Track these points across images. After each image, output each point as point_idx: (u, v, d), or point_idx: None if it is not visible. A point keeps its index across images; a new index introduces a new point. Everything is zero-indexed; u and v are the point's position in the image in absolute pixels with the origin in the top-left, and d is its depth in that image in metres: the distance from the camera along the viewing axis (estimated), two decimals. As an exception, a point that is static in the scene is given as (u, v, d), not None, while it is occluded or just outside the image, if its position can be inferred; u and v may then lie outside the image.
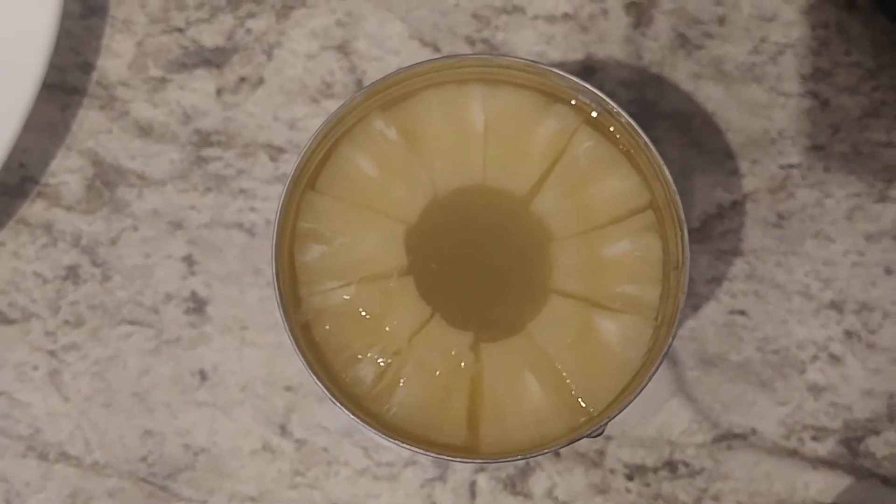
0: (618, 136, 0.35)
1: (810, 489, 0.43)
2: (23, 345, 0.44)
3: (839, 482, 0.43)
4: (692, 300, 0.45)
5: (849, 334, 0.45)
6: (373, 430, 0.31)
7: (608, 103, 0.34)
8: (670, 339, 0.32)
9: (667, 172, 0.33)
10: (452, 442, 0.32)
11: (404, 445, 0.31)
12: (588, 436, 0.32)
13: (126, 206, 0.45)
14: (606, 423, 0.32)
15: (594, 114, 0.35)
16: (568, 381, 0.33)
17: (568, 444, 0.32)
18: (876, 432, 0.44)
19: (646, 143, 0.34)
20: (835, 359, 0.44)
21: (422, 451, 0.31)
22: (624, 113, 0.34)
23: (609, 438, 0.43)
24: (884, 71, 0.47)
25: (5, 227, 0.45)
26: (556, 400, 0.33)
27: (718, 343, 0.44)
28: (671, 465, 0.43)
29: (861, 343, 0.44)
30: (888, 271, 0.45)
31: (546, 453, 0.32)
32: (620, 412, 0.32)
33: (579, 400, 0.33)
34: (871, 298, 0.45)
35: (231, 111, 0.46)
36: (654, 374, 0.32)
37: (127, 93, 0.47)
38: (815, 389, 0.44)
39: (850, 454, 0.44)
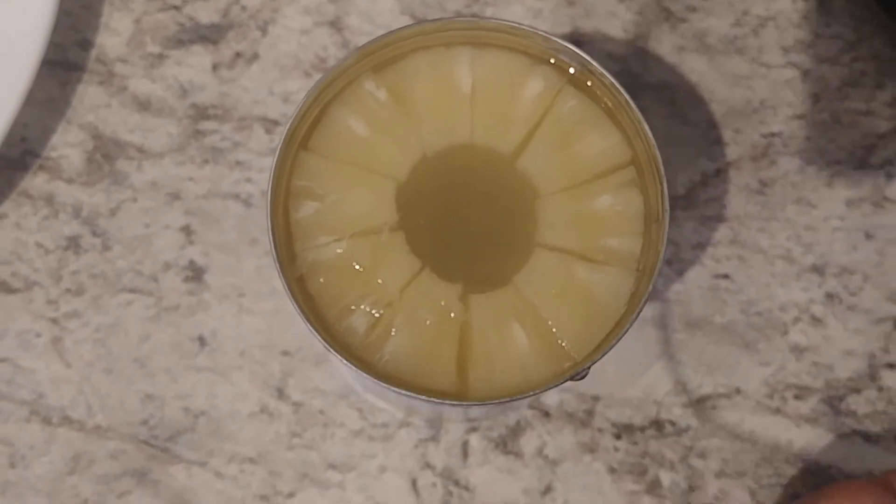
0: (600, 96, 0.36)
1: (793, 446, 0.44)
2: (26, 313, 0.45)
3: (821, 439, 0.44)
4: (677, 265, 0.46)
5: (830, 297, 0.46)
6: (367, 377, 0.32)
7: (591, 63, 0.35)
8: (650, 287, 0.33)
9: (647, 129, 0.34)
10: (443, 388, 0.34)
11: (396, 390, 0.32)
12: (572, 378, 0.33)
13: (125, 178, 0.47)
14: (589, 367, 0.33)
15: (572, 70, 0.36)
16: (553, 329, 0.34)
17: (553, 387, 0.33)
18: (857, 391, 0.45)
19: (627, 101, 0.35)
20: (816, 320, 0.45)
21: (413, 396, 0.32)
22: (606, 73, 0.35)
23: (597, 399, 0.45)
24: (863, 42, 0.48)
25: (7, 200, 0.46)
26: (542, 347, 0.34)
27: (703, 306, 0.46)
28: (658, 424, 0.45)
29: (842, 305, 0.46)
30: (868, 235, 0.46)
31: (532, 395, 0.33)
32: (603, 356, 0.33)
33: (564, 346, 0.34)
34: (852, 262, 0.46)
35: (227, 86, 0.48)
36: (634, 321, 0.33)
37: (125, 69, 0.48)
38: (798, 350, 0.45)
39: (832, 412, 0.45)
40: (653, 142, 0.34)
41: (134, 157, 0.47)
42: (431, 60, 0.36)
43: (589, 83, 0.36)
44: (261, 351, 0.45)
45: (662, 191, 0.34)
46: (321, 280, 0.35)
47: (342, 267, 0.35)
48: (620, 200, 0.35)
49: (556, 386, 0.33)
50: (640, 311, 0.33)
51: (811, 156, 0.47)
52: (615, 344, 0.33)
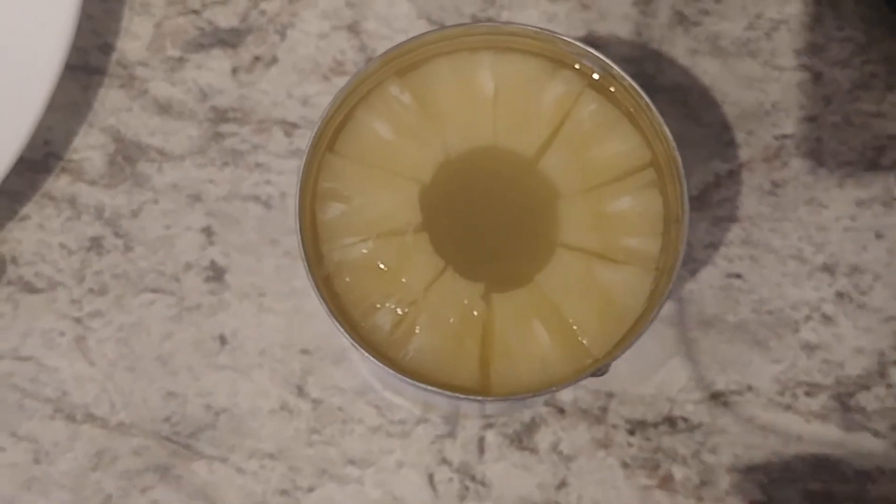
0: (620, 99, 0.37)
1: (804, 442, 0.45)
2: (49, 313, 0.46)
3: (831, 435, 0.45)
4: (691, 265, 0.47)
5: (840, 295, 0.47)
6: (392, 373, 0.33)
7: (612, 67, 0.36)
8: (669, 286, 0.34)
9: (667, 131, 0.35)
10: (465, 385, 0.34)
11: (422, 386, 0.33)
12: (592, 375, 0.34)
13: (147, 180, 0.47)
14: (610, 364, 0.34)
15: (596, 76, 0.37)
16: (574, 327, 0.35)
17: (573, 384, 0.34)
18: (866, 388, 0.46)
19: (647, 104, 0.36)
20: (827, 319, 0.46)
21: (439, 392, 0.33)
22: (626, 76, 0.36)
23: (611, 396, 0.45)
24: (874, 45, 0.49)
25: (31, 202, 0.47)
26: (562, 345, 0.35)
27: (716, 305, 0.46)
28: (671, 421, 0.45)
29: (852, 304, 0.46)
30: (878, 235, 0.47)
31: (554, 391, 0.34)
32: (623, 353, 0.34)
33: (584, 344, 0.35)
34: (862, 261, 0.47)
35: (246, 89, 0.48)
36: (654, 319, 0.34)
37: (146, 72, 0.49)
38: (809, 348, 0.46)
39: (842, 409, 0.45)
40: (672, 143, 0.35)
41: (155, 160, 0.48)
42: (454, 65, 0.37)
43: (609, 86, 0.37)
44: (281, 349, 0.46)
45: (682, 192, 0.35)
46: (347, 279, 0.35)
47: (368, 267, 0.35)
48: (640, 201, 0.36)
49: (577, 383, 0.34)
50: (660, 309, 0.34)
51: (822, 157, 0.48)
52: (635, 341, 0.34)
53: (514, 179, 0.37)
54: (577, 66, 0.38)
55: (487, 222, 0.37)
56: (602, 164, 0.36)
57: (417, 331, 0.35)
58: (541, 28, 0.36)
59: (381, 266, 0.35)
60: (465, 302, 0.35)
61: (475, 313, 0.35)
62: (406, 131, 0.37)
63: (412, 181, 0.36)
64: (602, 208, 0.36)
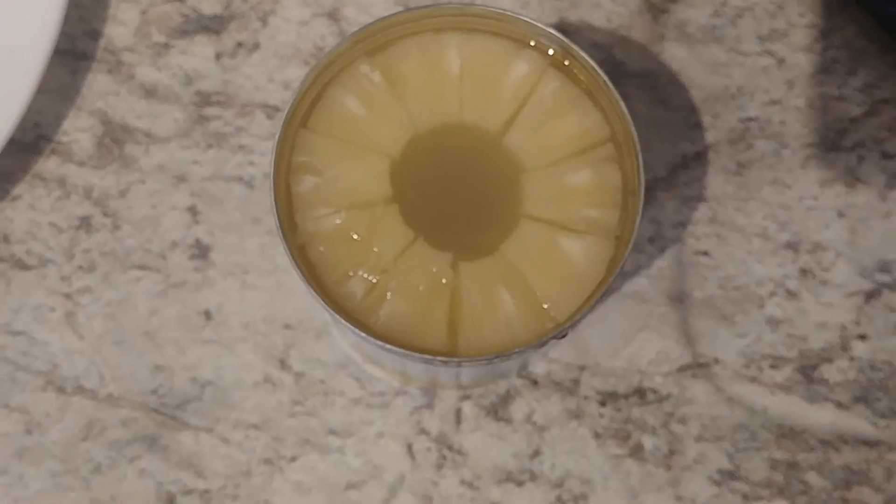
0: (581, 78, 0.39)
1: (768, 413, 0.47)
2: (40, 289, 0.48)
3: (795, 406, 0.47)
4: (660, 242, 0.48)
5: (804, 272, 0.48)
6: (363, 336, 0.35)
7: (571, 47, 0.38)
8: (626, 254, 0.36)
9: (624, 108, 0.37)
10: (434, 348, 0.36)
11: (390, 348, 0.35)
12: (554, 338, 0.35)
13: (134, 161, 0.49)
14: (570, 328, 0.36)
15: (552, 52, 0.39)
16: (537, 293, 0.37)
17: (537, 347, 0.36)
18: (829, 360, 0.47)
19: (605, 82, 0.37)
20: (791, 294, 0.48)
21: (406, 354, 0.35)
22: (585, 55, 0.38)
23: (583, 369, 0.47)
24: (835, 32, 0.51)
25: (22, 182, 0.49)
26: (527, 310, 0.37)
27: (683, 281, 0.48)
28: (640, 392, 0.47)
29: (815, 280, 0.48)
30: (840, 214, 0.49)
31: (517, 353, 0.35)
32: (582, 318, 0.36)
33: (547, 309, 0.36)
34: (824, 239, 0.48)
35: (229, 74, 0.50)
36: (611, 285, 0.35)
37: (133, 58, 0.50)
38: (773, 322, 0.48)
39: (806, 381, 0.47)
40: (629, 120, 0.37)
41: (141, 142, 0.49)
42: (422, 45, 0.39)
43: (570, 65, 0.39)
44: (264, 324, 0.47)
45: (638, 166, 0.36)
46: (321, 249, 0.37)
47: (341, 237, 0.37)
48: (600, 175, 0.38)
49: (541, 346, 0.36)
50: (617, 275, 0.35)
51: (786, 139, 0.49)
52: (595, 306, 0.36)
53: (481, 154, 0.38)
54: (538, 47, 0.39)
55: (455, 195, 0.38)
56: (563, 140, 0.38)
57: (388, 297, 0.37)
58: (503, 9, 0.38)
59: (354, 236, 0.37)
60: (434, 270, 0.37)
61: (443, 281, 0.37)
62: (376, 108, 0.38)
63: (382, 155, 0.38)
64: (564, 181, 0.38)
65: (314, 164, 0.38)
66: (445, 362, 0.36)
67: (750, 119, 0.50)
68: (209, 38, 0.50)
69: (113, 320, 0.47)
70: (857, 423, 0.47)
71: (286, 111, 0.37)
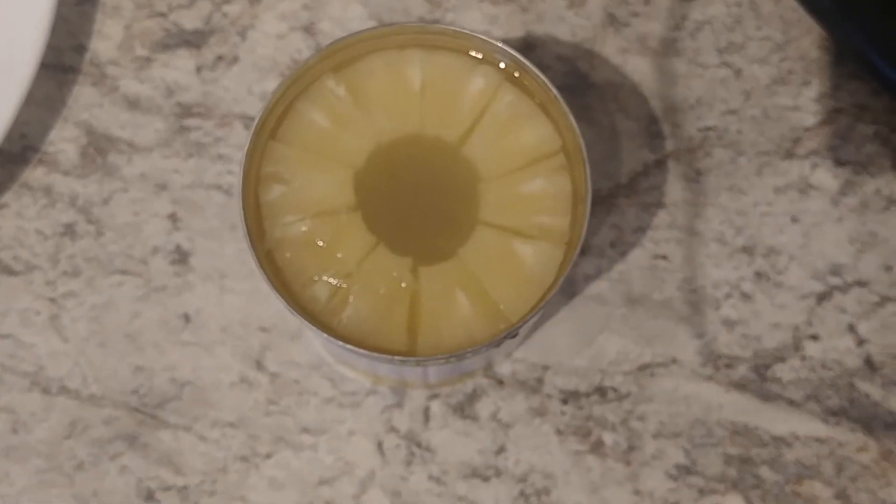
0: (534, 92, 0.41)
1: (724, 410, 0.49)
2: (26, 293, 0.50)
3: (750, 404, 0.49)
4: (620, 247, 0.50)
5: (758, 275, 0.50)
6: (326, 336, 0.37)
7: (524, 63, 0.40)
8: (573, 257, 0.38)
9: (573, 121, 0.39)
10: (395, 348, 0.38)
11: (351, 349, 0.37)
12: (506, 337, 0.37)
13: (117, 170, 0.51)
14: (521, 327, 0.38)
15: (503, 65, 0.41)
16: (492, 295, 0.39)
17: (491, 346, 0.38)
18: (782, 360, 0.49)
19: (556, 96, 0.39)
20: (746, 296, 0.50)
21: (367, 354, 0.37)
22: (538, 72, 0.40)
23: (546, 368, 0.49)
24: (791, 43, 0.53)
25: (9, 191, 0.51)
26: (483, 312, 0.39)
27: (643, 284, 0.50)
28: (601, 391, 0.49)
29: (769, 282, 0.50)
30: (794, 220, 0.51)
31: (472, 352, 0.38)
32: (533, 318, 0.38)
33: (502, 310, 0.39)
34: (779, 244, 0.51)
35: (209, 86, 0.52)
36: (566, 286, 0.38)
37: (116, 71, 0.52)
38: (729, 323, 0.50)
39: (760, 379, 0.49)
40: (578, 132, 0.39)
41: (124, 152, 0.51)
42: (386, 61, 0.41)
43: (523, 80, 0.41)
44: (241, 327, 0.49)
45: (586, 174, 0.38)
46: (287, 255, 0.39)
47: (306, 243, 0.39)
48: (551, 183, 0.40)
49: (496, 346, 0.38)
50: (567, 276, 0.38)
51: (743, 147, 0.52)
52: (545, 307, 0.38)
53: (440, 164, 0.40)
54: (495, 63, 0.41)
55: (415, 203, 0.40)
56: (518, 150, 0.40)
57: (351, 301, 0.39)
58: (461, 28, 0.40)
59: (319, 243, 0.39)
60: (395, 274, 0.39)
61: (403, 285, 0.39)
62: (341, 121, 0.40)
63: (347, 166, 0.40)
64: (518, 190, 0.40)
65: (282, 174, 0.40)
66: (404, 361, 0.38)
67: (708, 128, 0.52)
68: (190, 52, 0.52)
69: (96, 323, 0.49)
70: (809, 420, 0.49)
71: (255, 123, 0.39)
